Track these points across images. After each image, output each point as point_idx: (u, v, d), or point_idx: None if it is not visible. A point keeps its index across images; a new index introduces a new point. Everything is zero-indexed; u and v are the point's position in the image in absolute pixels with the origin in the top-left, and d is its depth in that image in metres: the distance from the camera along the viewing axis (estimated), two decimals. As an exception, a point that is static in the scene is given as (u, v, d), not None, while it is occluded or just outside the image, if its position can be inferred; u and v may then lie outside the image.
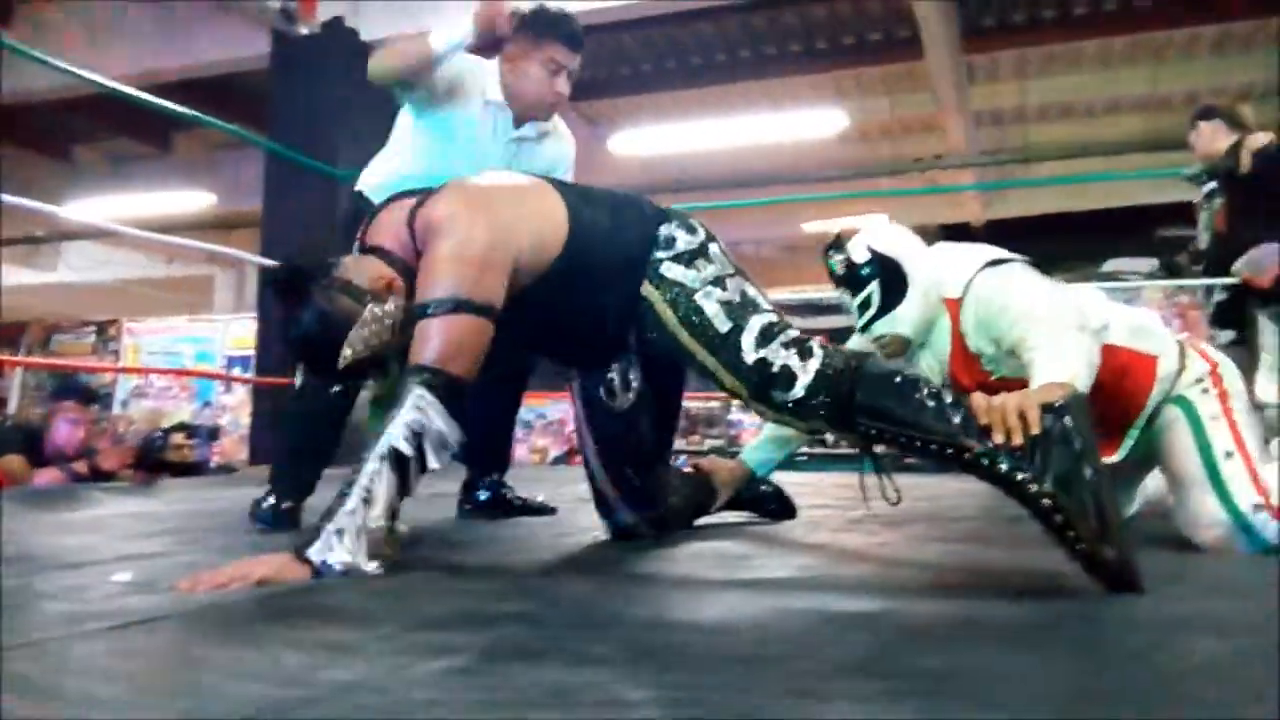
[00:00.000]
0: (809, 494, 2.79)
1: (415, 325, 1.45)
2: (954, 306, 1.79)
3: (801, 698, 0.79)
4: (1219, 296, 3.91)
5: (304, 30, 5.46)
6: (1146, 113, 8.33)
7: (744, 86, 7.84)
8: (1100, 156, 7.75)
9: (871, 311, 1.83)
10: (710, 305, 1.57)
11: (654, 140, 8.63)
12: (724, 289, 1.59)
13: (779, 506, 2.21)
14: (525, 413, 8.71)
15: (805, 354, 1.51)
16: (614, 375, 1.75)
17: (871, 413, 1.43)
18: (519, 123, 2.26)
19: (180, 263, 12.58)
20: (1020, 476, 1.28)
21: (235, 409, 8.82)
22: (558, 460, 7.65)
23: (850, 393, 1.45)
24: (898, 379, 1.44)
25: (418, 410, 1.37)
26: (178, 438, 4.87)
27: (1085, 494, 1.24)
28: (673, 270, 1.60)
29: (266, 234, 5.39)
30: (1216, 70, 7.46)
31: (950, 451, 1.35)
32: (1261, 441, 1.80)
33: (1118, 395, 1.77)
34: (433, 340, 1.42)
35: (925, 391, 1.41)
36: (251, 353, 6.13)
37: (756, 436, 2.15)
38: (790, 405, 1.49)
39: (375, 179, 2.26)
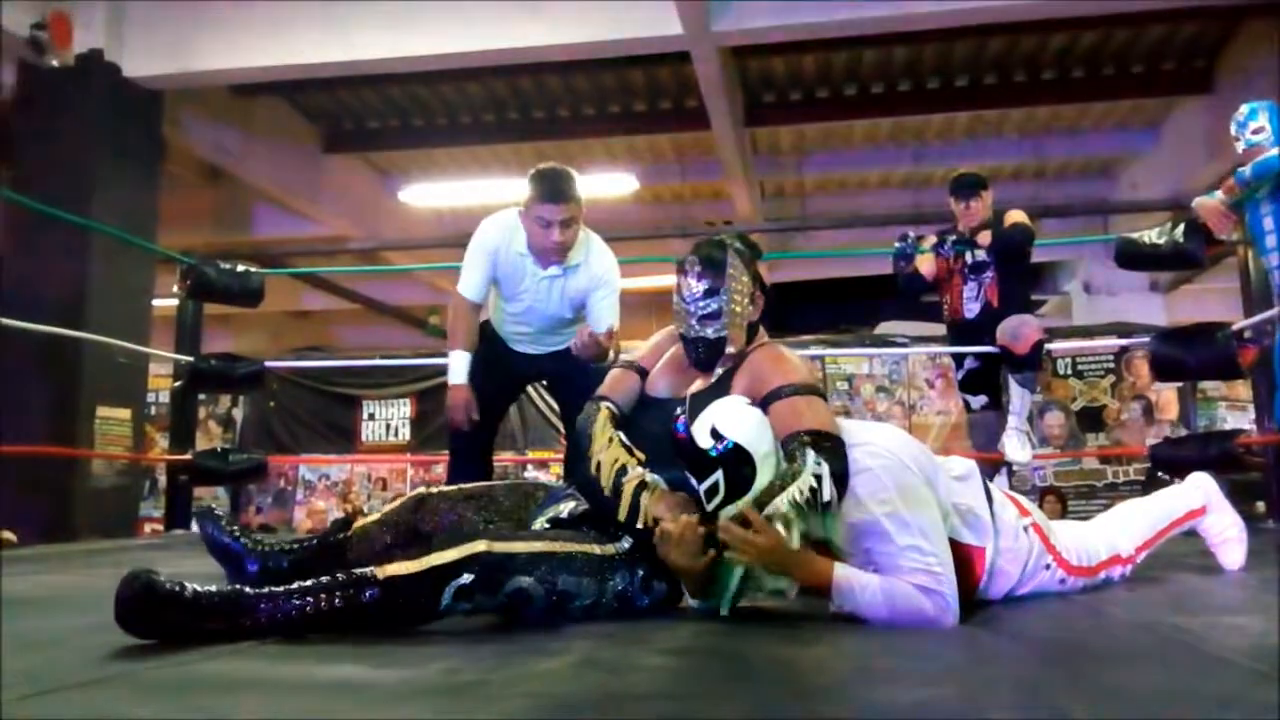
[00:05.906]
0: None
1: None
2: None
3: None
4: (971, 364, 4.04)
5: (55, 63, 5.00)
6: (911, 188, 9.01)
7: (536, 146, 7.87)
8: (871, 227, 8.27)
9: (719, 498, 1.70)
10: None
11: (446, 194, 8.52)
12: None
13: None
14: (307, 472, 8.26)
15: None
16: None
17: None
18: (544, 265, 2.79)
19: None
20: None
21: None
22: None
23: None
24: None
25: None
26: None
27: None
28: None
29: (6, 289, 4.85)
30: (969, 152, 8.17)
31: None
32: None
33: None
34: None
35: None
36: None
37: None
38: None
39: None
